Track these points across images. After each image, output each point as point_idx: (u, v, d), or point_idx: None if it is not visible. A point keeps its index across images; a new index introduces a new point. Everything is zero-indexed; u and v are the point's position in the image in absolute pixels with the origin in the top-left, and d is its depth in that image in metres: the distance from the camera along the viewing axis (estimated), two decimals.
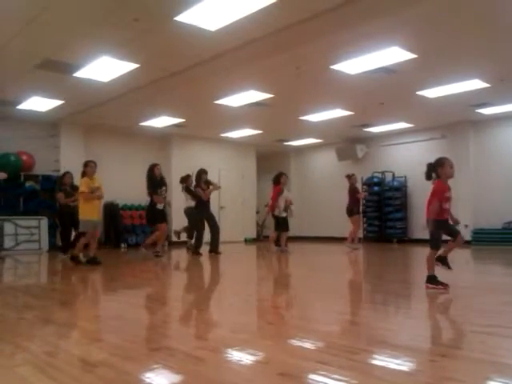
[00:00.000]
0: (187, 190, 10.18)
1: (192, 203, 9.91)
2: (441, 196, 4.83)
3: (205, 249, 9.59)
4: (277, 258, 9.27)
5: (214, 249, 9.63)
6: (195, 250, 9.48)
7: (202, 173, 9.78)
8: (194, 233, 10.04)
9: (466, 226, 11.22)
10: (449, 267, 5.04)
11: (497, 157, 11.67)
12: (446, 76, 8.35)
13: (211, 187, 9.78)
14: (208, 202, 9.72)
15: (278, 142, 14.92)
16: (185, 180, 10.43)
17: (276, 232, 10.20)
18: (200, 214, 9.64)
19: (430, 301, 4.47)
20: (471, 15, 5.96)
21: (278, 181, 10.07)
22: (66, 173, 9.24)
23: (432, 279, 4.78)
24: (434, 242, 4.93)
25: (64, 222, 9.19)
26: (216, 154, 14.27)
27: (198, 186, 9.67)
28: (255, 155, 15.89)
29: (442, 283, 4.72)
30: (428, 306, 4.21)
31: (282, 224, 10.10)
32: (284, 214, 10.07)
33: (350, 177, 11.02)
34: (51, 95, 9.44)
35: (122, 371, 2.37)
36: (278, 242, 10.23)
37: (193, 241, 10.02)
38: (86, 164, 7.82)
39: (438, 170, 4.92)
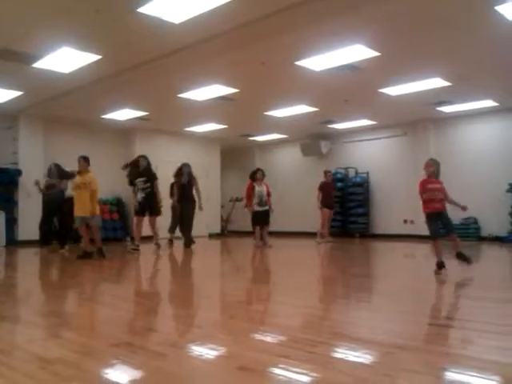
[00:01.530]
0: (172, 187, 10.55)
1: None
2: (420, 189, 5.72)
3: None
4: (246, 253, 9.31)
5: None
6: (188, 243, 9.79)
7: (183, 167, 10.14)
8: (176, 227, 10.56)
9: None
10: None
11: (456, 154, 11.96)
12: (408, 74, 8.50)
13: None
14: (189, 195, 9.97)
15: (242, 137, 14.90)
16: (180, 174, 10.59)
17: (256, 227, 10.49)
18: (188, 209, 9.91)
19: (389, 294, 4.55)
20: (433, 15, 6.08)
21: (253, 177, 10.45)
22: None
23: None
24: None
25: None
26: (180, 149, 14.14)
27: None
28: (220, 150, 15.83)
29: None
30: (387, 300, 4.29)
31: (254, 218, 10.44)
32: (258, 209, 10.26)
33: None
34: (9, 86, 9.14)
35: (79, 367, 2.33)
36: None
37: (174, 235, 10.64)
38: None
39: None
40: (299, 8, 5.67)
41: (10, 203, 11.11)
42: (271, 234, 14.29)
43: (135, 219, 9.39)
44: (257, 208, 10.24)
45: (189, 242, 9.88)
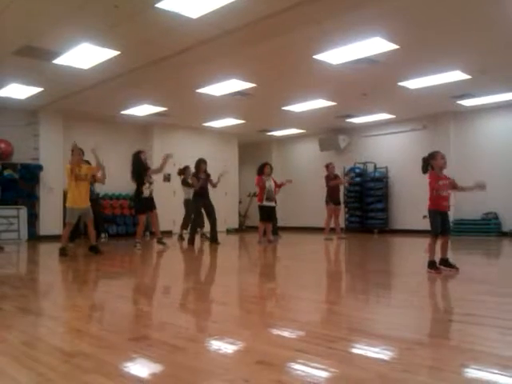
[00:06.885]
0: (184, 183, 10.60)
1: (190, 195, 9.99)
2: (435, 186, 5.33)
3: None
4: (262, 248, 9.27)
5: (213, 239, 9.53)
6: (189, 241, 9.48)
7: (201, 162, 9.62)
8: (188, 223, 10.30)
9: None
10: (453, 267, 5.36)
11: (477, 148, 11.81)
12: (428, 67, 8.39)
13: (219, 176, 9.64)
14: (206, 191, 9.52)
15: (260, 131, 14.89)
16: (182, 172, 10.62)
17: (264, 223, 10.19)
18: (196, 204, 9.62)
19: (408, 290, 4.51)
20: (452, 7, 5.99)
21: (261, 171, 10.09)
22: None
23: (432, 264, 5.28)
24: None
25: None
26: (198, 144, 14.18)
27: (196, 175, 9.52)
28: (237, 145, 15.84)
29: (437, 268, 5.26)
30: (406, 296, 4.25)
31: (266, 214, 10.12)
32: (265, 204, 10.08)
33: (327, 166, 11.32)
34: (30, 82, 9.27)
35: (100, 360, 2.35)
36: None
37: (185, 231, 10.32)
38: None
39: (431, 162, 5.19)
40: (317, 1, 5.64)
41: (31, 199, 11.29)
42: (288, 229, 14.32)
43: (143, 217, 8.85)
44: (264, 203, 10.01)
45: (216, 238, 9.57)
